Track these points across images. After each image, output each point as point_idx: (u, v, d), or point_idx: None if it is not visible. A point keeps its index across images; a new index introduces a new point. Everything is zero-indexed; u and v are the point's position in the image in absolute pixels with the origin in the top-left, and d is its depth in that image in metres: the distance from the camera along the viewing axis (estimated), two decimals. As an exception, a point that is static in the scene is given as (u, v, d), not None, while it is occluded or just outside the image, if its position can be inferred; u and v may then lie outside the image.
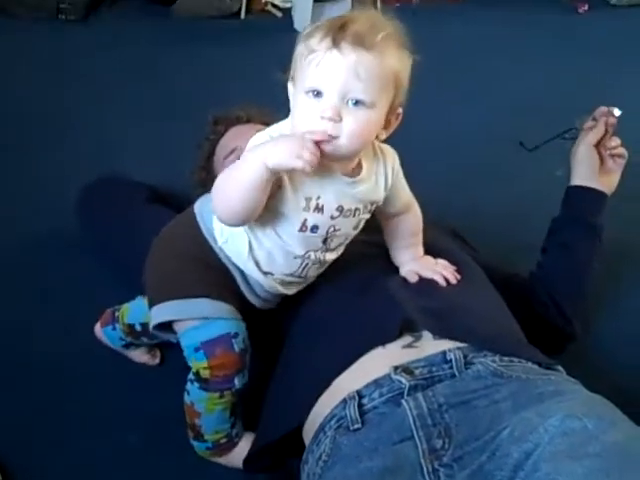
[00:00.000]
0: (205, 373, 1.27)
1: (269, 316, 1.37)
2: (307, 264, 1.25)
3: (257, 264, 1.24)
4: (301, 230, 1.19)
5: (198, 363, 1.28)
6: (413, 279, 1.34)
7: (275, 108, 1.80)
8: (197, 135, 1.77)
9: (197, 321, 1.27)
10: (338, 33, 1.07)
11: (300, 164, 1.05)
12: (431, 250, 1.39)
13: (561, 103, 2.48)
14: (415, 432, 1.08)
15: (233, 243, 1.23)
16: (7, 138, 2.26)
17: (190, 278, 1.28)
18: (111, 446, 1.41)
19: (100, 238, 1.77)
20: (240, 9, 3.36)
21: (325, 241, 1.22)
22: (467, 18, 3.41)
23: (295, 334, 1.33)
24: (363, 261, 1.36)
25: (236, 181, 1.11)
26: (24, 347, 1.58)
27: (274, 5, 3.47)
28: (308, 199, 1.16)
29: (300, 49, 1.11)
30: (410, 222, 1.35)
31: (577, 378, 1.20)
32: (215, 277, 1.27)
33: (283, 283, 1.28)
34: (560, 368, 1.23)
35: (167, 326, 1.30)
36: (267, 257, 1.23)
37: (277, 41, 3.15)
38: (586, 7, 3.70)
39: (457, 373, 1.15)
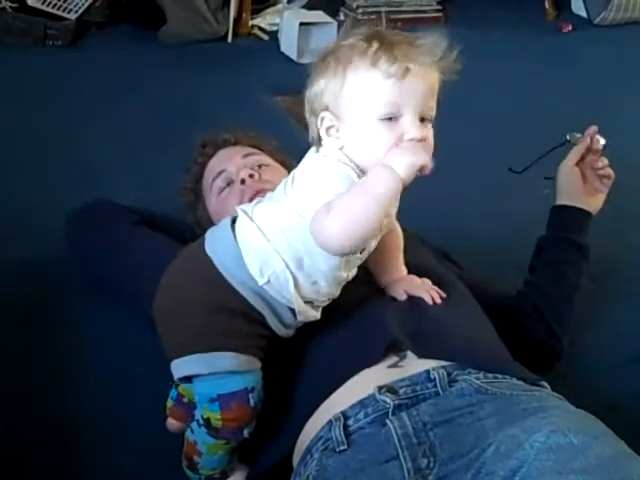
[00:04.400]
0: (217, 423, 1.24)
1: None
2: (342, 284, 1.24)
3: (301, 297, 1.19)
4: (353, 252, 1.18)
5: (211, 413, 1.24)
6: (402, 297, 1.34)
7: (262, 130, 1.83)
8: (185, 159, 1.77)
9: (220, 373, 1.22)
10: (409, 51, 1.09)
11: (425, 158, 1.07)
12: (416, 269, 1.38)
13: (546, 123, 2.50)
14: (400, 452, 1.08)
15: (277, 282, 1.17)
16: (-8, 164, 2.26)
17: (214, 330, 1.21)
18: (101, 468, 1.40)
19: (90, 262, 1.76)
20: (227, 33, 3.38)
21: (362, 258, 1.22)
22: (451, 40, 3.42)
23: (282, 361, 1.31)
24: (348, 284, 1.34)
25: (368, 200, 1.07)
26: (24, 370, 1.57)
27: (261, 28, 3.50)
28: None
29: (357, 76, 1.10)
30: (395, 238, 1.34)
31: (562, 393, 1.20)
32: (240, 324, 1.21)
33: (316, 308, 1.25)
34: (545, 384, 1.24)
35: (188, 377, 1.26)
36: (311, 287, 1.19)
37: (264, 64, 3.20)
38: (570, 27, 3.74)
39: (441, 391, 1.15)
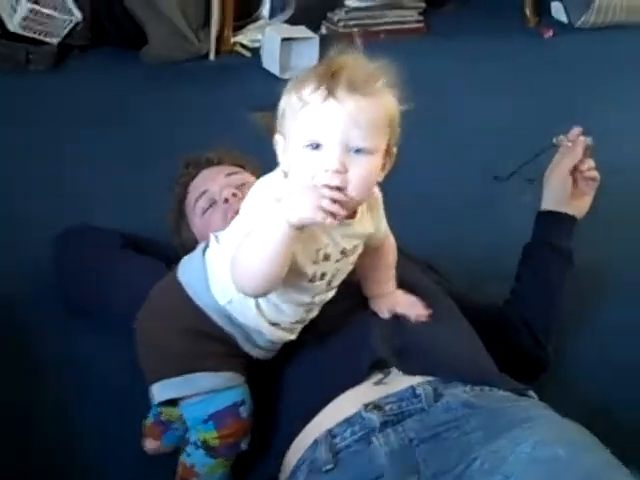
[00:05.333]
0: (214, 442, 1.25)
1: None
2: (312, 308, 1.24)
3: (265, 318, 1.20)
4: (310, 281, 1.17)
5: (206, 434, 1.25)
6: (385, 315, 1.34)
7: (246, 149, 1.82)
8: (169, 180, 1.77)
9: (202, 394, 1.24)
10: (331, 81, 1.04)
11: (322, 216, 1.01)
12: (401, 283, 1.38)
13: (530, 129, 2.50)
14: (387, 469, 1.08)
15: (238, 302, 1.19)
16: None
17: (190, 352, 1.23)
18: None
19: (77, 287, 1.75)
20: (209, 51, 3.38)
21: (330, 283, 1.21)
22: (432, 50, 3.45)
23: (266, 379, 1.31)
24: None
25: (260, 248, 1.06)
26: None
27: (243, 45, 3.50)
28: (317, 251, 1.14)
29: (290, 101, 1.08)
30: (387, 254, 1.33)
31: (549, 402, 1.20)
32: (214, 345, 1.23)
33: (288, 330, 1.25)
34: (532, 394, 1.24)
35: (169, 401, 1.27)
36: (275, 310, 1.20)
37: (247, 81, 3.21)
38: (551, 33, 3.75)
39: (427, 407, 1.15)
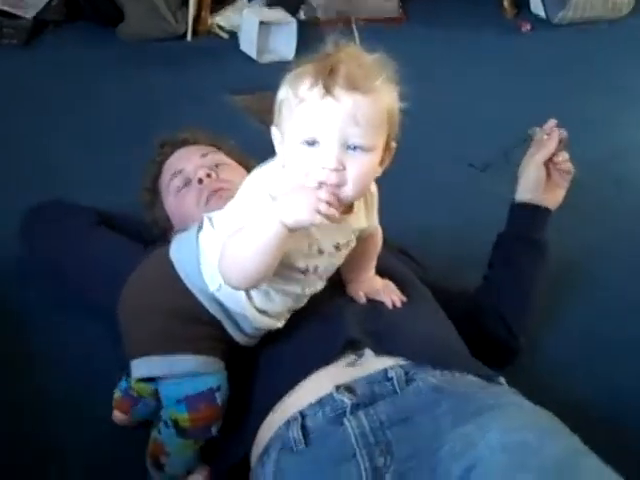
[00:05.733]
0: (185, 424, 1.24)
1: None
2: (301, 298, 1.24)
3: (254, 306, 1.20)
4: (303, 273, 1.17)
5: (178, 414, 1.24)
6: (361, 300, 1.34)
7: (221, 129, 1.81)
8: (144, 158, 1.75)
9: (182, 376, 1.23)
10: (329, 78, 1.03)
11: (318, 219, 1.01)
12: (378, 268, 1.38)
13: (507, 121, 2.50)
14: (358, 451, 1.08)
15: (227, 289, 1.17)
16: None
17: (174, 333, 1.22)
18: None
19: (47, 261, 1.74)
20: (186, 31, 3.35)
21: (321, 276, 1.21)
22: (410, 38, 3.44)
23: (240, 360, 1.30)
24: None
25: (251, 245, 1.06)
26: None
27: (220, 27, 3.47)
28: (310, 245, 1.14)
29: (288, 96, 1.07)
30: (373, 244, 1.33)
31: (520, 390, 1.21)
32: (200, 328, 1.22)
33: (275, 318, 1.24)
34: (502, 380, 1.25)
35: (147, 377, 1.27)
36: (265, 299, 1.19)
37: (224, 63, 3.18)
38: (529, 26, 3.76)
39: (398, 390, 1.15)
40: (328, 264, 1.20)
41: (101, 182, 2.14)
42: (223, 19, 3.50)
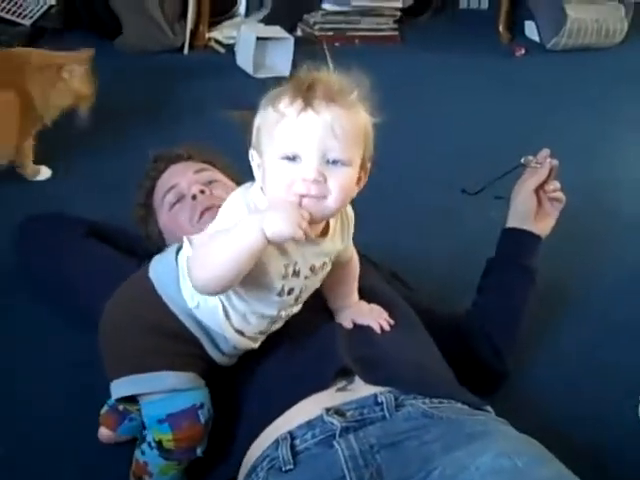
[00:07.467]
0: (169, 444, 1.23)
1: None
2: (277, 320, 1.24)
3: (231, 325, 1.20)
4: (279, 295, 1.17)
5: (162, 435, 1.23)
6: (349, 325, 1.35)
7: (216, 145, 1.82)
8: (138, 173, 1.76)
9: (163, 393, 1.22)
10: (307, 93, 1.05)
11: (300, 234, 1.03)
12: (366, 292, 1.39)
13: (499, 145, 2.53)
14: (347, 473, 1.08)
15: (206, 307, 1.19)
16: None
17: (153, 350, 1.22)
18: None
19: (38, 272, 1.76)
20: (183, 44, 3.37)
21: (297, 298, 1.22)
22: (406, 60, 3.47)
23: (230, 380, 1.31)
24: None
25: (226, 249, 1.06)
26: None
27: (217, 41, 3.49)
28: (286, 266, 1.14)
29: (266, 116, 1.09)
30: (352, 268, 1.34)
31: (507, 417, 1.22)
32: (179, 345, 1.22)
33: (251, 339, 1.25)
34: (489, 408, 1.25)
35: (129, 398, 1.26)
36: (241, 319, 1.20)
37: (219, 77, 3.19)
38: (523, 51, 3.80)
39: (388, 415, 1.16)
40: (303, 287, 1.20)
41: (94, 194, 2.15)
42: (220, 34, 3.53)
